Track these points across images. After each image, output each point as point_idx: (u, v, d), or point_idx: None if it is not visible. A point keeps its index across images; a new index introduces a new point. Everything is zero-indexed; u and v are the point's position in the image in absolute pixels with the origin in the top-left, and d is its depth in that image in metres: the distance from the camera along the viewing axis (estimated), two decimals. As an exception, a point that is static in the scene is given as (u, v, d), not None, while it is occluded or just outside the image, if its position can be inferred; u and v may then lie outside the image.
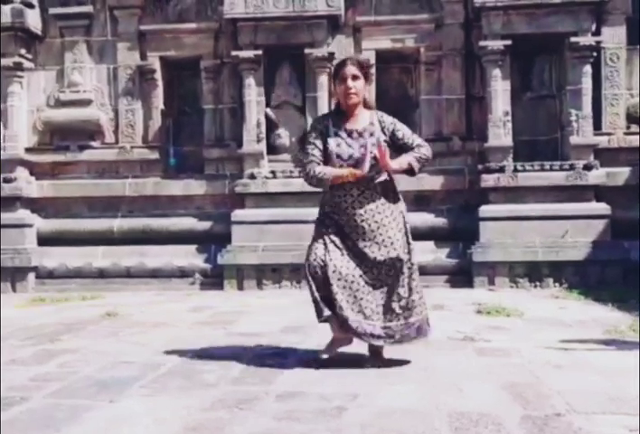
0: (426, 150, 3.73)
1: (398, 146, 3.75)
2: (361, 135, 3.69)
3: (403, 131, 3.76)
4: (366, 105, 3.83)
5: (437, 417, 2.77)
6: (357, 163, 3.61)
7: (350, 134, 3.69)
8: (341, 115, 3.78)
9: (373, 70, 8.11)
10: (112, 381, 3.48)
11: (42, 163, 8.59)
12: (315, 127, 3.78)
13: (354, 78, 3.66)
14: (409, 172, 3.70)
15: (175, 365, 3.82)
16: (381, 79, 8.26)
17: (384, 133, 3.72)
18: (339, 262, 3.61)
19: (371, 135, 3.68)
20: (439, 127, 8.17)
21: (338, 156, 3.65)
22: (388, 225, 3.70)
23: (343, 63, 3.74)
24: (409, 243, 3.77)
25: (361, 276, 3.64)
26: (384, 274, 3.67)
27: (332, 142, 3.67)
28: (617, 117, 7.93)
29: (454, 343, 4.38)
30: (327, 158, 3.69)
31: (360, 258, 3.66)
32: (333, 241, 3.65)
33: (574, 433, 2.56)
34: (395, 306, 3.66)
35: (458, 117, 8.15)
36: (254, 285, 7.80)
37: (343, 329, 3.64)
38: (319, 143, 3.71)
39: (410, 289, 3.68)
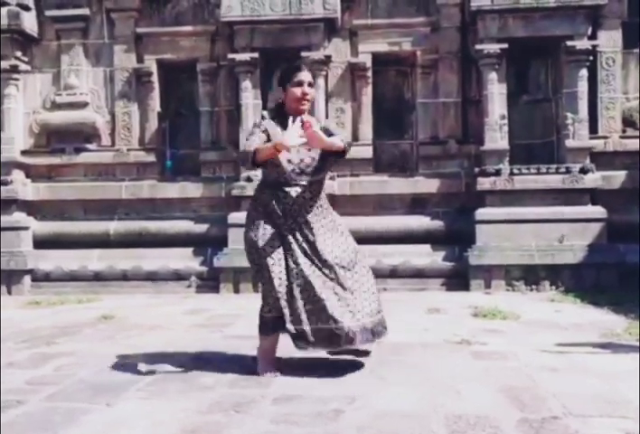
0: (344, 141, 3.59)
1: None
2: None
3: (333, 130, 3.70)
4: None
5: (434, 419, 2.77)
6: (307, 167, 3.62)
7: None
8: (287, 120, 3.59)
9: (370, 74, 8.18)
10: (109, 384, 3.48)
11: (38, 165, 8.58)
12: (261, 126, 3.67)
13: (310, 84, 3.68)
14: (341, 153, 3.59)
15: (172, 368, 3.81)
16: (377, 82, 8.29)
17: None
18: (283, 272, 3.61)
19: None
20: (436, 131, 8.18)
21: (289, 161, 3.61)
22: (325, 226, 3.69)
23: (298, 68, 3.74)
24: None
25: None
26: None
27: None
28: (613, 120, 7.95)
29: (450, 346, 4.38)
30: (278, 163, 3.60)
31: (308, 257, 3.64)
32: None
33: (571, 436, 2.57)
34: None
35: (455, 121, 8.16)
36: (250, 288, 7.78)
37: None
38: (265, 136, 3.60)
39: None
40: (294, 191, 3.63)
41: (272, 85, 8.23)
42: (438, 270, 7.75)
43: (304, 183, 3.64)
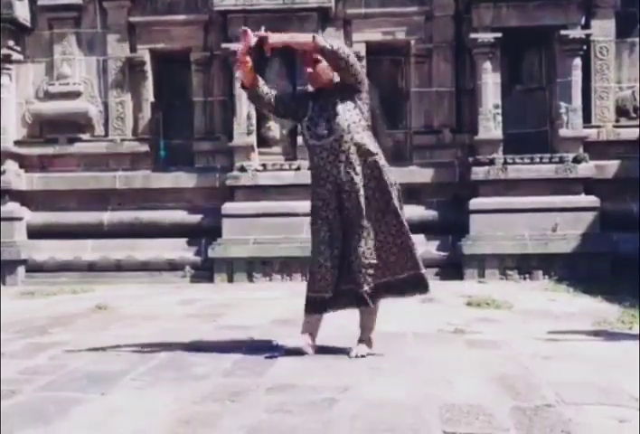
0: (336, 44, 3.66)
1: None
2: (327, 101, 3.76)
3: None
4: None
5: (427, 408, 2.78)
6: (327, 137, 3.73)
7: (321, 107, 3.77)
8: (315, 95, 3.89)
9: (364, 63, 8.15)
10: (103, 374, 3.47)
11: (32, 155, 8.55)
12: (294, 94, 4.04)
13: (315, 62, 3.74)
14: (323, 52, 3.62)
15: (166, 358, 3.82)
16: (371, 71, 8.23)
17: (348, 85, 3.74)
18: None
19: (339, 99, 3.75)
20: (430, 120, 8.17)
21: (312, 134, 3.77)
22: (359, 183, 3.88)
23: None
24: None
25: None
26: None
27: (304, 122, 3.81)
28: (607, 110, 7.96)
29: (444, 335, 4.39)
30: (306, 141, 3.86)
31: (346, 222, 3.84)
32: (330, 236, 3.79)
33: (564, 424, 2.57)
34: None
35: (448, 110, 8.16)
36: (244, 278, 7.80)
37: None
38: (285, 96, 4.01)
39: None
40: (320, 147, 3.76)
41: (265, 74, 8.20)
42: (432, 260, 7.72)
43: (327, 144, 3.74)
